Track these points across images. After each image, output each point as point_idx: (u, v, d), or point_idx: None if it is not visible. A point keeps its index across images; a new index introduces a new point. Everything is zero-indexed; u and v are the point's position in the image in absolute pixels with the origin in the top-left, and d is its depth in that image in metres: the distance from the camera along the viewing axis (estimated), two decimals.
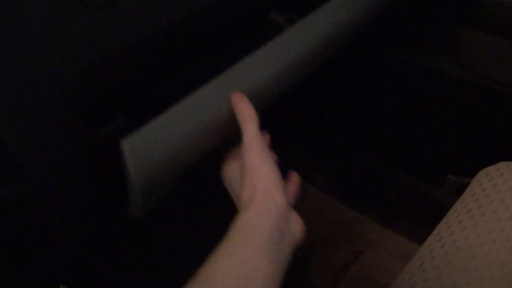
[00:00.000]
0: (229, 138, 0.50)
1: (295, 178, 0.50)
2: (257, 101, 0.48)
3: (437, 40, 0.85)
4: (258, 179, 0.43)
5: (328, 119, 1.18)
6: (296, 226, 0.43)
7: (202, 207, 1.01)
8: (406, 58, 0.90)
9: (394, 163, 1.07)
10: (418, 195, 1.05)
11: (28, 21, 0.38)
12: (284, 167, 0.47)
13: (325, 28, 0.61)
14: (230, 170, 0.49)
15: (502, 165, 0.64)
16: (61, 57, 0.41)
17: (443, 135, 0.96)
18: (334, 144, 1.19)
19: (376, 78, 1.00)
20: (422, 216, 1.00)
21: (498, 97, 0.79)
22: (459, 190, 0.71)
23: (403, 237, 1.01)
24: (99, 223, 0.52)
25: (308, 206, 1.11)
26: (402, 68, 0.92)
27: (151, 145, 0.43)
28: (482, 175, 0.65)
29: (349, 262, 0.99)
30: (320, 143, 1.21)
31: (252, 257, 0.37)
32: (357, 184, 1.15)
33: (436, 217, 0.62)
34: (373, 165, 1.11)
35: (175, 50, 0.53)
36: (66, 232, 0.48)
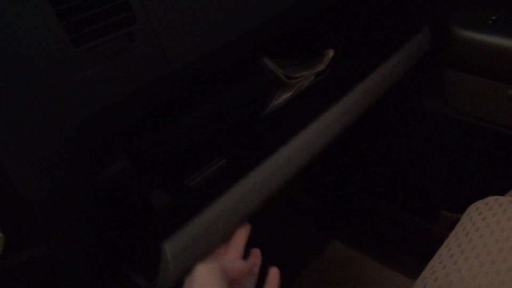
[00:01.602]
0: None
1: (274, 274, 0.53)
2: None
3: (425, 82, 0.89)
4: None
5: (324, 158, 1.21)
6: None
7: None
8: (397, 98, 0.94)
9: (390, 200, 1.09)
10: (414, 232, 1.06)
11: (38, 71, 0.40)
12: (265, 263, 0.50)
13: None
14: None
15: (491, 199, 0.66)
16: (68, 104, 0.43)
17: (436, 172, 0.99)
18: (331, 182, 1.21)
19: (370, 118, 1.04)
20: (418, 252, 1.01)
21: (482, 134, 0.83)
22: (454, 225, 0.72)
23: (401, 274, 1.02)
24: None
25: (305, 244, 1.12)
26: (394, 108, 0.96)
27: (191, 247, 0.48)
28: (472, 209, 0.67)
29: None
30: (317, 181, 1.23)
31: None
32: (353, 222, 1.16)
33: (431, 253, 0.64)
34: (370, 202, 1.12)
35: (175, 96, 0.56)
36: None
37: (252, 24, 0.59)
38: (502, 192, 0.68)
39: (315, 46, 0.79)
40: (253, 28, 0.59)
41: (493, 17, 0.75)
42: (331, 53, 0.76)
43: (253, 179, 0.55)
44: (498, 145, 0.84)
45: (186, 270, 0.47)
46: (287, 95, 0.72)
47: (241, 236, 0.54)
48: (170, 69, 0.50)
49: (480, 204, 0.67)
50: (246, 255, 0.54)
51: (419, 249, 1.01)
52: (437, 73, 0.84)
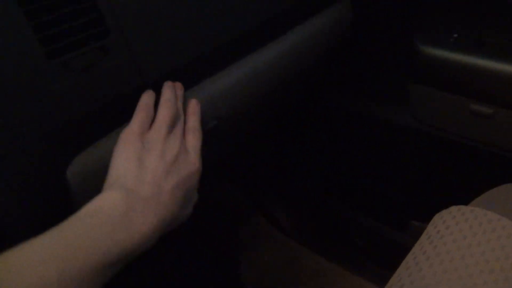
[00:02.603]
0: None
1: (194, 104, 0.54)
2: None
3: (391, 94, 0.93)
4: (111, 170, 0.44)
5: (295, 166, 1.23)
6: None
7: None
8: (364, 110, 0.97)
9: (360, 209, 1.11)
10: (384, 241, 1.08)
11: (10, 82, 0.41)
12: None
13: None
14: None
15: (454, 209, 0.69)
16: (40, 115, 0.44)
17: (404, 183, 1.02)
18: (302, 191, 1.23)
19: (339, 129, 1.07)
20: (388, 261, 1.03)
21: (447, 146, 0.86)
22: (421, 234, 0.75)
23: (371, 283, 1.04)
24: None
25: (277, 254, 1.13)
26: (361, 120, 0.99)
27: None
28: (437, 218, 0.70)
29: None
30: (287, 190, 1.25)
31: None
32: (324, 231, 1.19)
33: (400, 261, 0.66)
34: (339, 211, 1.15)
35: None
36: None
37: (225, 37, 0.61)
38: (465, 202, 0.71)
39: None
40: (226, 40, 0.61)
41: (455, 35, 0.79)
42: None
43: None
44: (461, 156, 0.88)
45: None
46: None
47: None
48: (142, 80, 0.51)
49: (444, 213, 0.70)
50: None
51: (388, 258, 1.04)
52: (402, 87, 0.87)
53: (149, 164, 0.44)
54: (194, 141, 0.51)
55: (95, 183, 0.47)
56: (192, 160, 0.49)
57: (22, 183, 0.44)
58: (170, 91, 0.52)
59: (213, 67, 0.62)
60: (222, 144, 0.70)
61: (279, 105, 0.83)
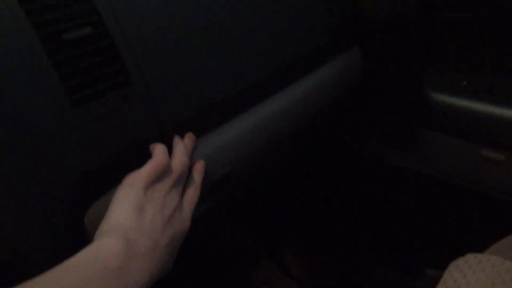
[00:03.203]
0: None
1: (199, 165, 0.53)
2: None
3: (402, 139, 0.93)
4: (110, 213, 0.43)
5: (306, 211, 1.22)
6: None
7: None
8: (375, 155, 0.97)
9: (374, 257, 1.09)
10: None
11: (37, 129, 0.42)
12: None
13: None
14: None
15: (470, 257, 0.68)
16: (62, 160, 0.44)
17: (418, 230, 1.01)
18: (313, 237, 1.21)
19: (351, 173, 1.07)
20: None
21: (460, 192, 0.86)
22: (436, 282, 0.74)
23: None
24: None
25: None
26: (373, 165, 0.99)
27: None
28: (453, 267, 0.69)
29: None
30: (298, 236, 1.23)
31: None
32: (336, 278, 1.16)
33: None
34: (354, 260, 1.13)
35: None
36: None
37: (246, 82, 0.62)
38: (480, 248, 0.70)
39: None
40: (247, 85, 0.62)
41: (464, 82, 0.80)
42: None
43: None
44: (474, 202, 0.87)
45: None
46: None
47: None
48: (160, 127, 0.52)
49: (460, 261, 0.69)
50: None
51: None
52: (413, 132, 0.88)
53: (149, 216, 0.44)
54: (192, 197, 0.51)
55: None
56: (185, 217, 0.49)
57: (42, 227, 0.44)
58: (182, 145, 0.53)
59: (228, 113, 0.63)
60: (234, 190, 0.70)
61: (292, 150, 0.83)
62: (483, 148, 0.79)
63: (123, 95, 0.48)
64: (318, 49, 0.76)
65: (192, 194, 0.51)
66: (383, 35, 0.88)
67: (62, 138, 0.43)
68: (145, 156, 0.50)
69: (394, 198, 1.00)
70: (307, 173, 1.15)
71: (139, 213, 0.44)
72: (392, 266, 1.06)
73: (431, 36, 0.84)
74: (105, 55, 0.47)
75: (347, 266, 1.14)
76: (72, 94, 0.43)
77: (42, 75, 0.42)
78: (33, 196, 0.42)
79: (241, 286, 1.13)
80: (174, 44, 0.53)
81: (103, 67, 0.46)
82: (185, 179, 0.52)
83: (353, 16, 0.85)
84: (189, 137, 0.55)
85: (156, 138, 0.52)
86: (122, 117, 0.48)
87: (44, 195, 0.43)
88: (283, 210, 1.25)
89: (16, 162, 0.41)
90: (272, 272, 1.16)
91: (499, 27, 0.76)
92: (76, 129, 0.44)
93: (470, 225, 0.89)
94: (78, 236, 0.48)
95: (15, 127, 0.40)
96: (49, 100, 0.42)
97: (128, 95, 0.48)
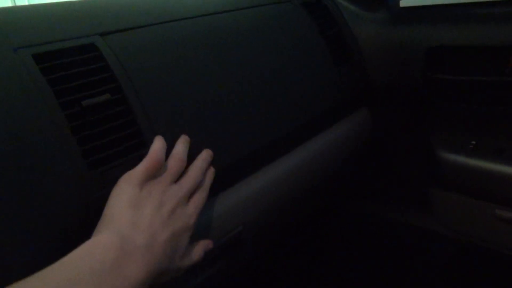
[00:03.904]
0: None
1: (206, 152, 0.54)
2: None
3: (414, 200, 0.93)
4: (106, 211, 0.44)
5: (317, 273, 1.19)
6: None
7: None
8: (388, 215, 0.97)
9: None
10: None
11: (54, 192, 0.43)
12: None
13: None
14: None
15: None
16: (78, 222, 0.45)
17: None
18: None
19: (364, 234, 1.05)
20: None
21: (474, 252, 0.84)
22: None
23: None
24: None
25: None
26: (386, 225, 0.98)
27: None
28: None
29: None
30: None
31: None
32: None
33: None
34: None
35: None
36: None
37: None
38: None
39: None
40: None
41: (473, 142, 0.81)
42: None
43: None
44: (490, 263, 0.85)
45: None
46: None
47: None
48: None
49: None
50: None
51: None
52: (425, 193, 0.88)
53: (146, 212, 0.44)
54: (199, 199, 0.51)
55: None
56: (189, 213, 0.49)
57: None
58: (183, 145, 0.53)
59: (239, 173, 0.64)
60: (246, 250, 0.70)
61: (303, 210, 0.83)
62: (498, 207, 0.79)
63: (139, 157, 0.49)
64: (329, 110, 0.79)
65: (199, 194, 0.51)
66: (390, 97, 0.90)
67: (79, 199, 0.45)
68: None
69: (408, 258, 0.98)
70: (318, 233, 1.14)
71: (134, 209, 0.44)
72: None
73: (436, 97, 0.85)
74: (121, 119, 0.49)
75: None
76: (88, 157, 0.45)
77: (60, 139, 0.44)
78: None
79: None
80: (188, 110, 0.55)
81: (120, 130, 0.48)
82: (194, 180, 0.52)
83: (361, 79, 0.88)
84: (185, 138, 0.55)
85: None
86: None
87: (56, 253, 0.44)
88: (294, 272, 1.22)
89: (29, 222, 0.42)
90: None
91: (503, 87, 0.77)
92: (91, 191, 0.45)
93: (485, 286, 0.86)
94: None
95: (32, 189, 0.42)
96: (66, 162, 0.44)
97: (143, 156, 0.50)
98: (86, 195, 0.45)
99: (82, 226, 0.45)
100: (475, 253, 0.85)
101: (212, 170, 0.56)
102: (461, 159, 0.80)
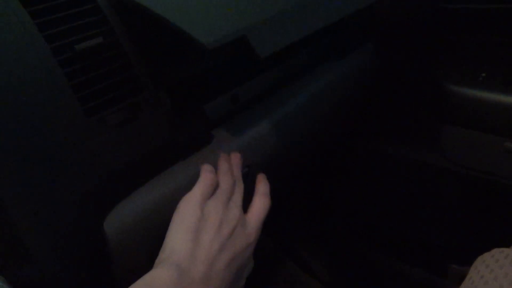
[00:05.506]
0: None
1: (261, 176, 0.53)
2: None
3: (422, 136, 0.92)
4: (166, 240, 0.43)
5: (327, 210, 1.21)
6: None
7: None
8: (396, 152, 0.96)
9: (397, 255, 1.08)
10: (423, 286, 1.04)
11: (51, 138, 0.43)
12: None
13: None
14: None
15: (496, 252, 0.66)
16: (77, 169, 0.45)
17: (441, 226, 0.99)
18: (334, 234, 1.20)
19: (372, 172, 1.05)
20: None
21: (483, 186, 0.84)
22: (462, 279, 0.72)
23: None
24: None
25: None
26: (395, 162, 0.98)
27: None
28: (479, 262, 0.67)
29: None
30: (318, 233, 1.22)
31: None
32: (359, 277, 1.15)
33: None
34: (376, 256, 1.11)
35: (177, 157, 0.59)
36: None
37: None
38: (506, 243, 0.68)
39: None
40: None
41: (483, 74, 0.78)
42: None
43: None
44: (499, 196, 0.85)
45: None
46: None
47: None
48: (176, 136, 0.52)
49: (486, 256, 0.67)
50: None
51: None
52: (432, 128, 0.86)
53: (205, 238, 0.43)
54: (260, 206, 0.50)
55: (131, 235, 0.47)
56: (249, 232, 0.47)
57: (60, 236, 0.45)
58: (226, 162, 0.52)
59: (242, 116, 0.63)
60: (252, 190, 0.70)
61: (309, 149, 0.83)
62: (506, 140, 0.77)
63: (135, 103, 0.48)
64: (334, 43, 0.76)
65: (259, 201, 0.51)
66: (397, 31, 0.87)
67: (77, 147, 0.44)
68: (159, 161, 0.50)
69: (416, 194, 0.98)
70: (325, 172, 1.14)
71: (194, 238, 0.43)
72: (416, 263, 1.04)
73: (445, 30, 0.82)
74: (117, 63, 0.47)
75: (370, 264, 1.13)
76: (84, 104, 0.44)
77: (55, 86, 0.42)
78: (47, 207, 0.43)
79: None
80: (183, 46, 0.53)
81: (115, 75, 0.47)
82: (242, 191, 0.51)
83: (366, 14, 0.84)
84: (234, 156, 0.55)
85: (169, 145, 0.52)
86: (135, 125, 0.49)
87: (60, 204, 0.44)
88: (304, 210, 1.24)
89: (31, 172, 0.42)
90: (295, 273, 1.15)
91: None
92: (90, 137, 0.45)
93: (495, 219, 0.87)
94: (98, 246, 0.48)
95: (29, 138, 0.41)
96: (62, 110, 0.43)
97: (140, 103, 0.48)
98: (84, 142, 0.44)
99: (81, 173, 0.45)
100: (484, 187, 0.85)
101: (262, 173, 0.55)
102: (471, 92, 0.78)
